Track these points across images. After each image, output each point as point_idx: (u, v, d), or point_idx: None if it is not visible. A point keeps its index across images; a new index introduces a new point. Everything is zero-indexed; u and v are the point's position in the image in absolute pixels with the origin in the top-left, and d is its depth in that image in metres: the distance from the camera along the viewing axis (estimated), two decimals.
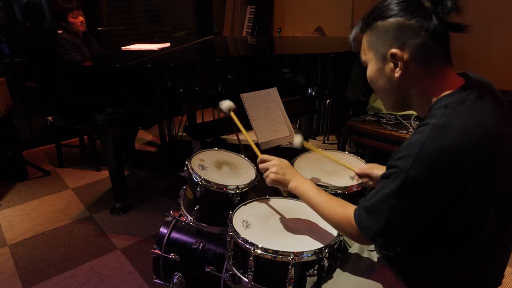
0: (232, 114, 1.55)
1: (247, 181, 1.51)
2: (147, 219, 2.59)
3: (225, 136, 3.31)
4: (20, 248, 2.34)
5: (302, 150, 1.59)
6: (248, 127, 1.90)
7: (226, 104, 1.57)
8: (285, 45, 3.42)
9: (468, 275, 0.97)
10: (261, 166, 1.28)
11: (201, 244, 1.58)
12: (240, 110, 1.80)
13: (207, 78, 2.50)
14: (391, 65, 0.94)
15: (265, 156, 1.30)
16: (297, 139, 1.48)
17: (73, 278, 2.07)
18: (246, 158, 1.71)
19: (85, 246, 2.33)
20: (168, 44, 2.97)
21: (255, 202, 1.45)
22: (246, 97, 1.93)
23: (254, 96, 1.95)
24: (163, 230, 1.66)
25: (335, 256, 1.22)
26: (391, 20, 0.91)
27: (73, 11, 2.91)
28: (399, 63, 0.92)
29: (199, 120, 3.76)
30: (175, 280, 1.60)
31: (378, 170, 1.38)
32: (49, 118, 3.08)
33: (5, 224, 2.60)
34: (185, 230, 1.65)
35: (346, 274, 1.14)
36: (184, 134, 3.46)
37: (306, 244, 1.20)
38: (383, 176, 0.92)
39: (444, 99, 0.90)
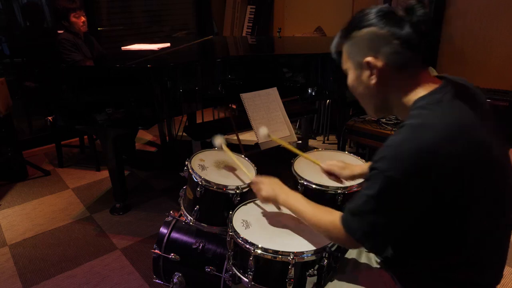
0: (224, 147, 1.59)
1: (247, 181, 1.51)
2: (147, 219, 2.59)
3: (225, 136, 3.31)
4: (20, 248, 2.34)
5: (302, 150, 1.59)
6: (248, 127, 1.90)
7: (218, 141, 1.60)
8: (285, 45, 3.43)
9: (465, 275, 0.97)
10: (253, 186, 1.35)
11: (201, 244, 1.58)
12: (240, 110, 1.80)
13: (207, 78, 2.50)
14: (367, 72, 0.98)
15: (256, 178, 1.36)
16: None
17: (73, 278, 2.07)
18: (246, 158, 1.71)
19: (85, 246, 2.33)
20: (168, 44, 2.97)
21: (255, 202, 1.45)
22: (246, 97, 1.93)
23: (254, 96, 1.95)
24: (163, 230, 1.66)
25: (335, 256, 1.22)
26: (365, 30, 0.96)
27: (75, 11, 2.90)
28: (374, 71, 0.96)
29: (199, 120, 3.76)
30: (175, 280, 1.59)
31: (349, 171, 1.41)
32: (49, 118, 3.08)
33: (5, 224, 2.60)
34: (185, 230, 1.65)
35: (344, 276, 1.14)
36: (184, 134, 3.46)
37: (306, 244, 1.20)
38: (366, 178, 0.94)
39: (420, 100, 0.93)
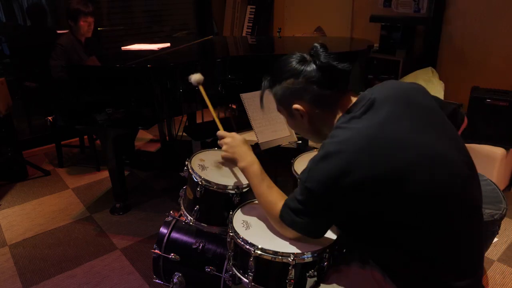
0: (201, 88, 1.60)
1: (247, 181, 1.51)
2: (147, 219, 2.59)
3: None
4: (20, 248, 2.34)
5: (302, 150, 1.59)
6: (248, 127, 1.90)
7: (194, 78, 1.59)
8: (285, 45, 3.42)
9: (444, 274, 0.98)
10: (219, 142, 1.38)
11: (201, 244, 1.58)
12: (240, 110, 1.80)
13: (207, 78, 2.49)
14: (299, 116, 1.12)
15: (221, 132, 1.38)
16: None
17: (73, 278, 2.07)
18: None
19: (85, 246, 2.33)
20: (168, 44, 2.97)
21: (255, 203, 1.45)
22: (246, 97, 1.93)
23: (254, 96, 1.95)
24: (163, 230, 1.66)
25: (335, 256, 1.22)
26: (284, 83, 1.10)
27: (87, 16, 2.92)
28: (304, 114, 1.11)
29: (199, 120, 3.76)
30: (175, 280, 1.60)
31: None
32: (49, 118, 3.08)
33: (5, 224, 2.60)
34: (185, 230, 1.65)
35: (337, 275, 1.14)
36: (184, 134, 3.46)
37: (307, 245, 1.19)
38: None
39: (338, 121, 1.05)
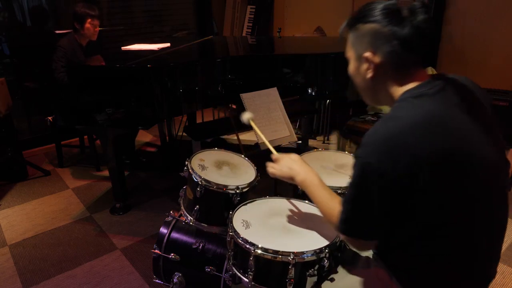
0: (251, 122, 1.56)
1: (247, 181, 1.51)
2: (147, 219, 2.59)
3: (225, 136, 3.31)
4: (20, 248, 2.34)
5: (302, 150, 1.60)
6: (248, 127, 1.90)
7: (246, 116, 1.58)
8: (285, 45, 3.42)
9: (452, 271, 0.97)
10: (270, 165, 1.32)
11: (201, 244, 1.58)
12: (241, 110, 1.80)
13: (207, 78, 2.50)
14: (366, 66, 1.02)
15: (276, 155, 1.34)
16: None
17: (73, 278, 2.07)
18: (246, 158, 1.71)
19: (85, 246, 2.33)
20: (168, 44, 2.97)
21: (255, 202, 1.45)
22: (246, 97, 1.93)
23: (254, 96, 1.95)
24: (163, 230, 1.66)
25: (335, 255, 1.22)
26: (368, 25, 0.99)
27: (94, 18, 2.95)
28: (372, 66, 1.01)
29: (199, 120, 3.76)
30: (175, 280, 1.60)
31: None
32: (49, 118, 3.08)
33: (5, 224, 2.60)
34: (185, 230, 1.65)
35: (342, 273, 1.14)
36: (184, 134, 3.46)
37: (307, 244, 1.20)
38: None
39: (405, 93, 0.98)
